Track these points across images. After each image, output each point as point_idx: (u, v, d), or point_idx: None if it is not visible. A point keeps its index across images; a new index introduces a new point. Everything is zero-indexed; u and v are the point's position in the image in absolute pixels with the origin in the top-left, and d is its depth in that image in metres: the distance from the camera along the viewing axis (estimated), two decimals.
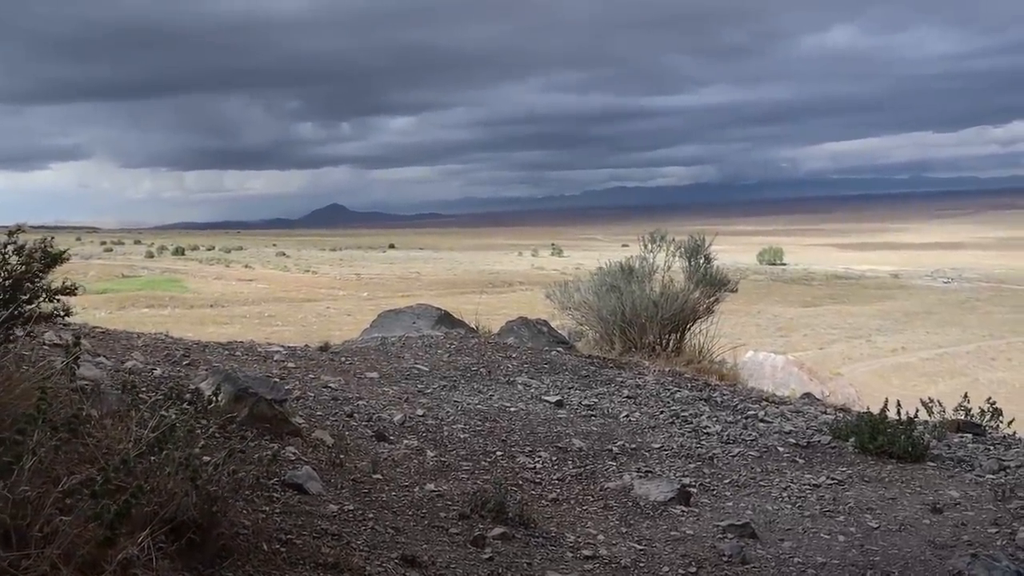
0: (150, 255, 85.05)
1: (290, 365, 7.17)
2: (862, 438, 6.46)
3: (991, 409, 8.01)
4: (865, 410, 7.50)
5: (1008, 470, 6.05)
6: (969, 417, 7.92)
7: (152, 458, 2.95)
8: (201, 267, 73.92)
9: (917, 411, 7.12)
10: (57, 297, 3.87)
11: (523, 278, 65.19)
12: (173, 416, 3.47)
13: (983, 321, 50.79)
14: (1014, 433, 7.66)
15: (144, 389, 4.60)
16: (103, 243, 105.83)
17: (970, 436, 7.32)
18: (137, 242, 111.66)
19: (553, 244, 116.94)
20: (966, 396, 8.19)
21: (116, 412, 3.59)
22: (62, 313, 3.92)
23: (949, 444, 6.91)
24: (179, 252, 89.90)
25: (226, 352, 7.40)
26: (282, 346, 8.19)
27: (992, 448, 6.91)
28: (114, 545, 2.47)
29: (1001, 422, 7.87)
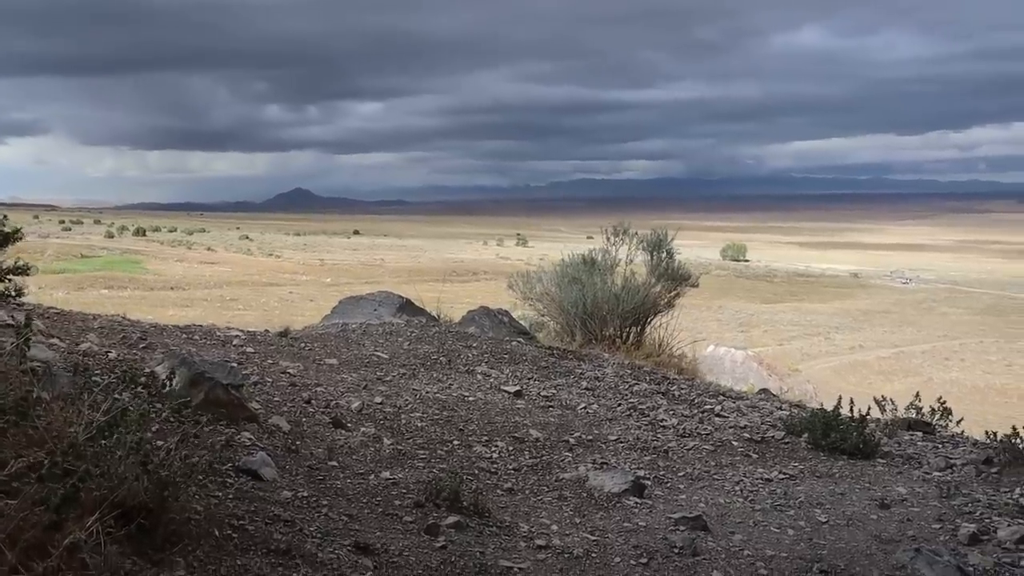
0: (110, 235, 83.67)
1: (249, 350, 7.11)
2: (815, 434, 6.57)
3: (941, 408, 8.18)
4: (819, 407, 7.63)
5: (954, 468, 6.19)
6: (920, 416, 8.07)
7: (103, 442, 2.92)
8: (162, 249, 72.94)
9: (869, 409, 7.26)
10: (9, 277, 3.81)
11: (488, 268, 65.24)
12: (126, 399, 3.43)
13: (939, 322, 51.87)
14: (962, 432, 7.84)
15: (98, 372, 4.54)
16: (61, 222, 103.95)
17: (920, 434, 7.48)
18: (97, 222, 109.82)
19: (518, 234, 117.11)
20: (917, 395, 8.35)
21: (68, 395, 3.53)
22: (13, 293, 3.85)
23: (899, 442, 7.06)
24: (140, 233, 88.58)
25: (184, 336, 7.32)
26: (241, 331, 8.11)
27: (940, 446, 7.07)
28: (61, 529, 2.45)
29: (950, 421, 8.04)
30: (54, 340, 5.44)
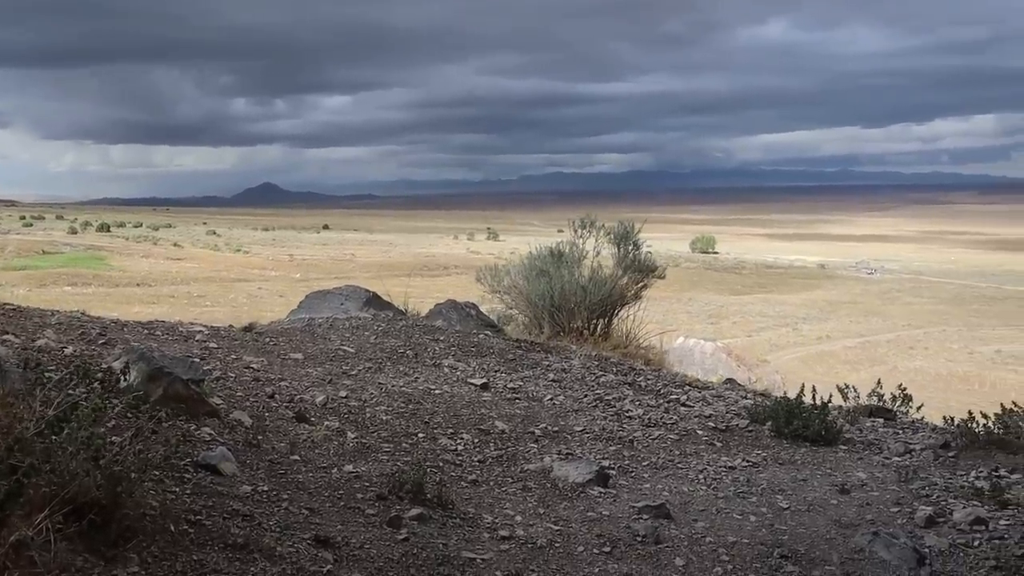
0: (73, 231, 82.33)
1: (212, 345, 7.04)
2: (778, 422, 6.64)
3: (902, 395, 8.30)
4: (783, 395, 7.70)
5: (913, 453, 6.29)
6: (881, 403, 8.19)
7: (53, 437, 2.87)
8: (128, 244, 71.93)
9: (831, 396, 7.35)
10: None
11: (458, 262, 65.08)
12: (80, 395, 3.37)
13: (903, 312, 52.63)
14: (922, 418, 7.97)
15: (52, 367, 4.46)
16: (22, 217, 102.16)
17: (881, 421, 7.59)
18: (59, 217, 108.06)
19: (489, 228, 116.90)
20: (879, 382, 8.48)
21: (18, 391, 3.47)
22: None
23: (861, 428, 7.15)
24: (104, 228, 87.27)
25: (146, 331, 7.22)
26: (205, 326, 8.02)
27: (901, 432, 7.18)
28: (7, 526, 2.40)
29: (911, 407, 8.17)
30: (8, 336, 5.35)
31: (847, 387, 8.44)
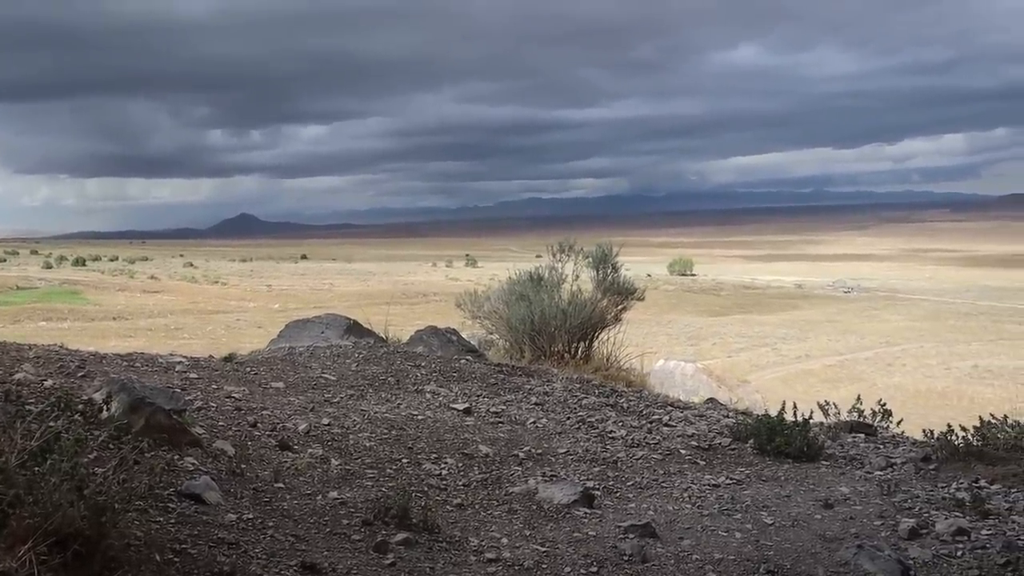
0: (48, 266, 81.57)
1: (192, 376, 7.00)
2: (760, 440, 6.68)
3: (882, 410, 8.38)
4: (764, 413, 7.75)
5: (894, 466, 6.34)
6: (862, 418, 8.26)
7: (36, 468, 2.85)
8: (103, 278, 71.31)
9: (812, 413, 7.40)
10: None
11: (437, 289, 65.02)
12: (61, 426, 3.35)
13: (880, 329, 53.06)
14: (902, 433, 8.04)
15: (32, 400, 4.42)
16: None
17: (862, 436, 7.65)
18: (34, 252, 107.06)
19: (467, 255, 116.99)
20: (859, 398, 8.55)
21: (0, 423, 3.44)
22: None
23: (842, 444, 7.21)
24: (80, 263, 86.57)
25: (125, 363, 7.18)
26: (184, 357, 7.98)
27: (882, 447, 7.23)
28: None
29: (891, 422, 8.24)
30: None
31: (828, 404, 8.50)
